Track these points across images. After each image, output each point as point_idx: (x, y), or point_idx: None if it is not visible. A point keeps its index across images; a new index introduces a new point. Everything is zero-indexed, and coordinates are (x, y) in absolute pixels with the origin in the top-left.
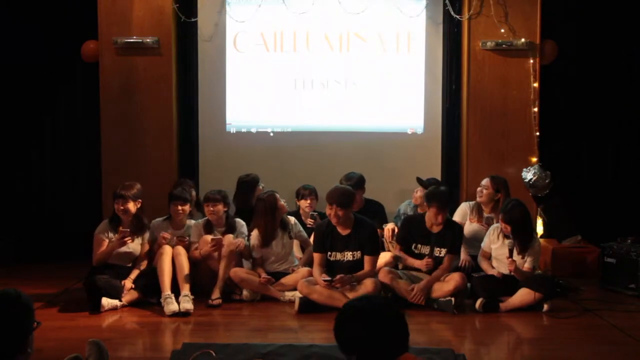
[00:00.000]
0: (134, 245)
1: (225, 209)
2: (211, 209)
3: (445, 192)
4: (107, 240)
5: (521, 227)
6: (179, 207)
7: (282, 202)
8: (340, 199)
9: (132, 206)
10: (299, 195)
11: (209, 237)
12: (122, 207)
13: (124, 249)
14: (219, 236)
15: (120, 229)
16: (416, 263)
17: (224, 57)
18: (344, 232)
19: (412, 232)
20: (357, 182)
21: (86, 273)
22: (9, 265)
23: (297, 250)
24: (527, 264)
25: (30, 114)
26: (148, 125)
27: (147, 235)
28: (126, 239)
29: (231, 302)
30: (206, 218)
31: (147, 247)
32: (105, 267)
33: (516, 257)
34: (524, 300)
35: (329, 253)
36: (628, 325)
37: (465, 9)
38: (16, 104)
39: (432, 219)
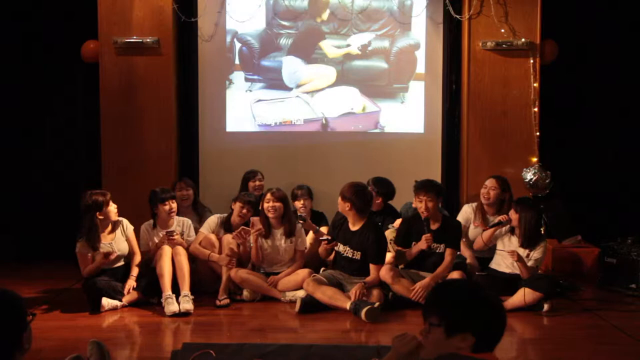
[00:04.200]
0: (120, 246)
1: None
2: (246, 212)
3: (420, 181)
4: (90, 256)
5: (531, 221)
6: (172, 205)
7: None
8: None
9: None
10: (293, 195)
11: (229, 237)
12: (115, 208)
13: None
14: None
15: (104, 251)
16: (415, 248)
17: (224, 56)
18: (353, 227)
19: (411, 231)
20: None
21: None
22: (9, 265)
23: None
24: (530, 262)
25: (30, 114)
26: (148, 125)
27: (128, 229)
28: (111, 256)
29: (231, 302)
30: (226, 215)
31: (133, 239)
32: (101, 272)
33: (522, 251)
34: (524, 300)
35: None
36: (628, 325)
37: (465, 9)
38: (16, 103)
39: (423, 209)
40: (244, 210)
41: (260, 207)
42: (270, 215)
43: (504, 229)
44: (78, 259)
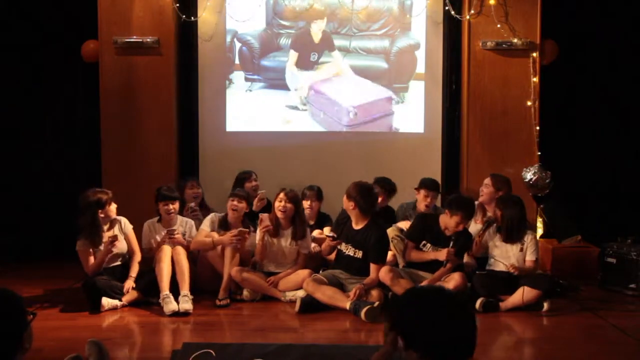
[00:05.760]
0: (119, 244)
1: (247, 211)
2: (236, 204)
3: (472, 202)
4: (91, 252)
5: (513, 218)
6: (170, 206)
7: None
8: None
9: None
10: (302, 195)
11: (214, 234)
12: (115, 208)
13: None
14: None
15: (109, 235)
16: (431, 255)
17: (224, 56)
18: (356, 226)
19: (425, 229)
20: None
21: (84, 276)
22: (9, 265)
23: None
24: (528, 257)
25: (30, 114)
26: (148, 125)
27: (127, 227)
28: (115, 243)
29: (231, 301)
30: (224, 214)
31: (132, 237)
32: (101, 271)
33: (514, 248)
34: (522, 299)
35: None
36: (628, 325)
37: (465, 8)
38: (17, 103)
39: (451, 225)
40: (235, 203)
41: (272, 204)
42: (279, 215)
43: (491, 229)
44: (80, 257)
